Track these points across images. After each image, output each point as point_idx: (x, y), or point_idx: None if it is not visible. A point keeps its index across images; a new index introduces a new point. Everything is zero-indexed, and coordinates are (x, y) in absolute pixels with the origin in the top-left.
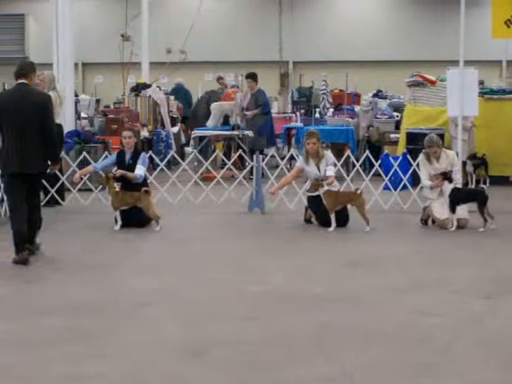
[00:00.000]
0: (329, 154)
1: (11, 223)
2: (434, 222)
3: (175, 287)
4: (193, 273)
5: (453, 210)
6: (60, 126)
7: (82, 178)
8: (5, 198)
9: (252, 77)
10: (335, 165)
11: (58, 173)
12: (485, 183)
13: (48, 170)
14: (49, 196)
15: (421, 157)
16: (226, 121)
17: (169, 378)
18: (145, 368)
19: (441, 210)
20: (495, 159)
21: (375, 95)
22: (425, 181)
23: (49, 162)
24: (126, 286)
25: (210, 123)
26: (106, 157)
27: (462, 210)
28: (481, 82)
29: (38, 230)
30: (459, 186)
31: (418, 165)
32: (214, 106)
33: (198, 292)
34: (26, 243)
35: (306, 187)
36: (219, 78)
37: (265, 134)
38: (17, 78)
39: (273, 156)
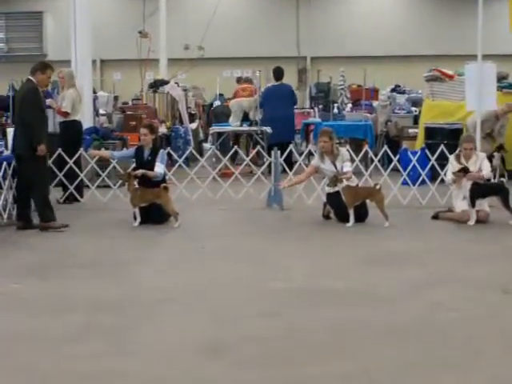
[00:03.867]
0: (344, 151)
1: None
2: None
3: (195, 284)
4: (212, 269)
5: (473, 204)
6: (79, 123)
7: (95, 157)
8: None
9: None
10: (352, 160)
11: (77, 170)
12: (503, 176)
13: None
14: (68, 193)
15: (451, 158)
16: (244, 117)
17: (190, 375)
18: (166, 365)
19: (459, 203)
20: None
21: (393, 90)
22: (449, 176)
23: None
24: (146, 282)
25: (232, 121)
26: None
27: (482, 203)
28: (504, 77)
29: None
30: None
31: (436, 159)
32: (232, 103)
33: (217, 288)
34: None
35: (324, 183)
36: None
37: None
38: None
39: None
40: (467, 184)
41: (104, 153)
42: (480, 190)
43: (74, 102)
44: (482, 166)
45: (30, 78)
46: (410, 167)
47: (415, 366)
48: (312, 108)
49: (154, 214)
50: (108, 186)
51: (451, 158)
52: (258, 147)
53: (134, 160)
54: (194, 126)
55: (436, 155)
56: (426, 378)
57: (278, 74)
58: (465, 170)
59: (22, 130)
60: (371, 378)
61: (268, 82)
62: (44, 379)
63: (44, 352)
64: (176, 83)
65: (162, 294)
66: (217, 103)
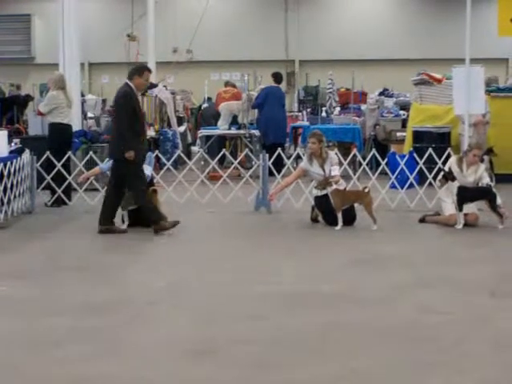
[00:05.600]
0: (332, 155)
1: None
2: (423, 219)
3: (184, 286)
4: (201, 272)
5: (460, 208)
6: (68, 126)
7: (87, 180)
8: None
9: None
10: (340, 164)
11: (65, 173)
12: (491, 180)
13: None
14: (55, 196)
15: (452, 159)
16: (233, 120)
17: (177, 377)
18: (153, 367)
19: (449, 207)
20: (501, 157)
21: (381, 94)
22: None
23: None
24: (134, 285)
25: (220, 124)
26: None
27: (471, 206)
28: (492, 81)
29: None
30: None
31: (424, 163)
32: (222, 106)
33: (206, 291)
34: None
35: (312, 186)
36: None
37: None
38: None
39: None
40: (454, 188)
41: (94, 171)
42: (467, 194)
43: (58, 105)
44: (481, 176)
45: (128, 82)
46: (398, 171)
47: (403, 368)
48: (300, 111)
49: (143, 217)
50: (96, 190)
51: (452, 160)
52: (247, 150)
53: None
54: (182, 129)
55: (424, 159)
56: (414, 381)
57: (279, 78)
58: (446, 177)
59: (115, 135)
60: (360, 380)
61: (257, 85)
62: (32, 383)
63: (32, 355)
64: (164, 86)
65: (150, 296)
66: (205, 106)
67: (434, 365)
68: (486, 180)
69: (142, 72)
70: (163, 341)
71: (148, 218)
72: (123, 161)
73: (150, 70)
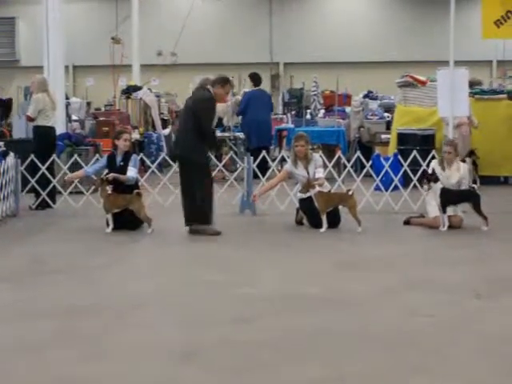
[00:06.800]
0: (317, 157)
1: None
2: (408, 222)
3: (168, 289)
4: (185, 275)
5: (444, 210)
6: (52, 129)
7: (72, 182)
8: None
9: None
10: (325, 166)
11: (49, 176)
12: (475, 183)
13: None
14: (40, 199)
15: (434, 162)
16: (218, 123)
17: (163, 380)
18: (138, 370)
19: (434, 209)
20: (486, 159)
21: (366, 96)
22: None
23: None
24: (118, 288)
25: None
26: (97, 159)
27: (455, 208)
28: (476, 83)
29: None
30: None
31: (408, 165)
32: None
33: (190, 294)
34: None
35: (297, 189)
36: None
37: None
38: None
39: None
40: (437, 189)
41: (78, 173)
42: (451, 196)
43: (43, 108)
44: (464, 175)
45: (209, 88)
46: (382, 173)
47: (389, 370)
48: (285, 114)
49: (127, 220)
50: (81, 193)
51: (433, 162)
52: (231, 153)
53: (106, 168)
54: (166, 131)
55: (408, 161)
56: (399, 383)
57: (257, 79)
58: (428, 179)
59: (194, 135)
60: (345, 383)
61: (241, 87)
62: None
63: (18, 358)
64: (149, 89)
65: (135, 299)
66: None
67: (419, 368)
68: (466, 180)
69: (225, 83)
70: (149, 344)
71: (132, 221)
72: (197, 162)
73: (232, 85)
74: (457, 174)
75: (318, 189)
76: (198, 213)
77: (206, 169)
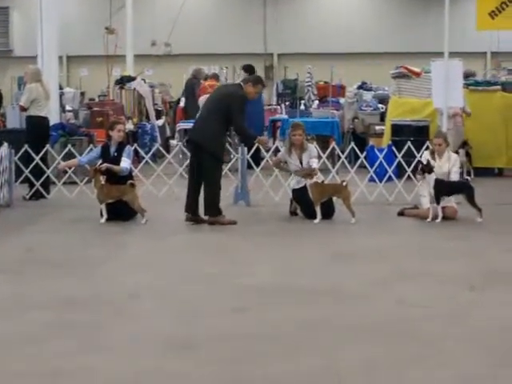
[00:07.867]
0: (312, 147)
1: None
2: (402, 213)
3: (163, 281)
4: (180, 266)
5: (438, 201)
6: (45, 119)
7: (66, 171)
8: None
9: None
10: (319, 157)
11: (43, 166)
12: (469, 174)
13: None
14: (34, 189)
15: (425, 153)
16: None
17: (161, 372)
18: (135, 362)
19: (428, 201)
20: (480, 151)
21: (360, 87)
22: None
23: None
24: (114, 279)
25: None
26: (91, 150)
27: (449, 199)
28: (470, 74)
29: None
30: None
31: (402, 156)
32: (201, 100)
33: (186, 285)
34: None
35: (291, 179)
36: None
37: None
38: None
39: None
40: (431, 181)
41: (72, 162)
42: (444, 188)
43: (36, 97)
44: (451, 168)
45: (242, 85)
46: (376, 164)
47: (383, 362)
48: (279, 104)
49: (121, 211)
50: (74, 183)
51: (425, 153)
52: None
53: (100, 158)
54: (160, 122)
55: (403, 152)
56: (392, 375)
57: (251, 71)
58: (423, 170)
59: (217, 126)
60: (340, 374)
61: (236, 78)
62: (17, 378)
63: (16, 351)
64: (143, 80)
65: (130, 291)
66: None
67: (414, 359)
68: (456, 168)
69: (257, 83)
70: (147, 335)
71: (126, 211)
72: (211, 152)
73: (264, 85)
74: (447, 163)
75: (314, 179)
76: (210, 207)
77: (219, 163)
